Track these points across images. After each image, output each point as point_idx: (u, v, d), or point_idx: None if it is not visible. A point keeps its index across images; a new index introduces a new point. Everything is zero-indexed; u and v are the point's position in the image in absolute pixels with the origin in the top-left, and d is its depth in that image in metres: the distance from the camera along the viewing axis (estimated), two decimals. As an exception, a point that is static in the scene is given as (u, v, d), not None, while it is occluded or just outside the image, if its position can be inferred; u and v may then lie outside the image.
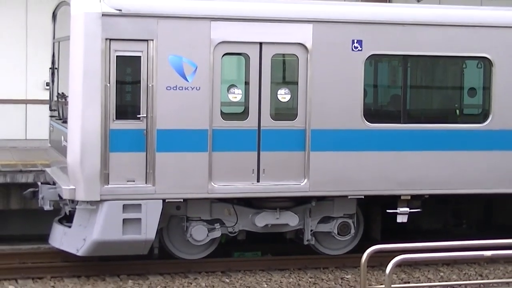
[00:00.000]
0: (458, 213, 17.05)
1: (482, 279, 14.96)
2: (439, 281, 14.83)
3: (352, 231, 15.62)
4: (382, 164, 15.25)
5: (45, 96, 19.08)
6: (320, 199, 15.29)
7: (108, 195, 14.05)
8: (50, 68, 16.52)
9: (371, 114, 15.30)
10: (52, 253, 15.52)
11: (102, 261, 14.83)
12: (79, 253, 14.35)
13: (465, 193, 15.93)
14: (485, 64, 15.87)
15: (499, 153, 15.87)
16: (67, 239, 14.64)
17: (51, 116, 16.48)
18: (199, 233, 14.88)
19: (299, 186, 14.89)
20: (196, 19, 14.36)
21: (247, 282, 14.56)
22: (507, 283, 14.33)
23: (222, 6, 14.82)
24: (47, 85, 19.13)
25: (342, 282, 14.81)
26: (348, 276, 15.07)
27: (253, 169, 14.69)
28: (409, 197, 15.58)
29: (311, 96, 14.84)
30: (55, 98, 16.14)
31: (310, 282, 14.74)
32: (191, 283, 14.41)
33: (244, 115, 14.74)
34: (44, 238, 15.90)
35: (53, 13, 16.47)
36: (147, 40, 14.13)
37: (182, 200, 14.63)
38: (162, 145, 14.22)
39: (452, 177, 15.63)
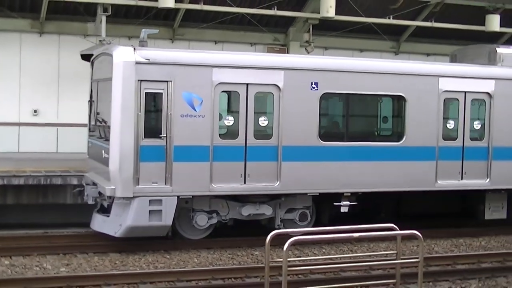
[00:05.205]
0: (379, 206, 17.25)
1: (352, 253, 14.95)
2: (322, 255, 14.77)
3: (309, 218, 15.75)
4: (331, 170, 15.42)
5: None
6: (287, 195, 15.39)
7: (138, 193, 14.01)
8: (88, 101, 16.32)
9: (324, 135, 15.44)
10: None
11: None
12: (117, 235, 14.29)
13: (385, 191, 16.16)
14: (401, 100, 16.22)
15: (409, 163, 16.17)
16: (107, 225, 14.55)
17: (90, 135, 16.28)
18: (202, 220, 14.92)
19: (273, 187, 14.99)
20: (202, 66, 14.42)
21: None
22: (369, 255, 14.49)
23: (221, 57, 15.01)
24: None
25: (252, 256, 14.62)
26: (257, 253, 14.83)
27: (241, 174, 14.71)
28: (349, 194, 15.80)
29: (282, 122, 14.97)
30: (93, 122, 15.95)
31: (229, 257, 14.51)
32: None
33: (235, 135, 14.79)
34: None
35: (91, 61, 16.31)
36: (167, 81, 14.14)
37: (191, 197, 14.63)
38: (177, 157, 14.19)
39: (377, 179, 15.87)
